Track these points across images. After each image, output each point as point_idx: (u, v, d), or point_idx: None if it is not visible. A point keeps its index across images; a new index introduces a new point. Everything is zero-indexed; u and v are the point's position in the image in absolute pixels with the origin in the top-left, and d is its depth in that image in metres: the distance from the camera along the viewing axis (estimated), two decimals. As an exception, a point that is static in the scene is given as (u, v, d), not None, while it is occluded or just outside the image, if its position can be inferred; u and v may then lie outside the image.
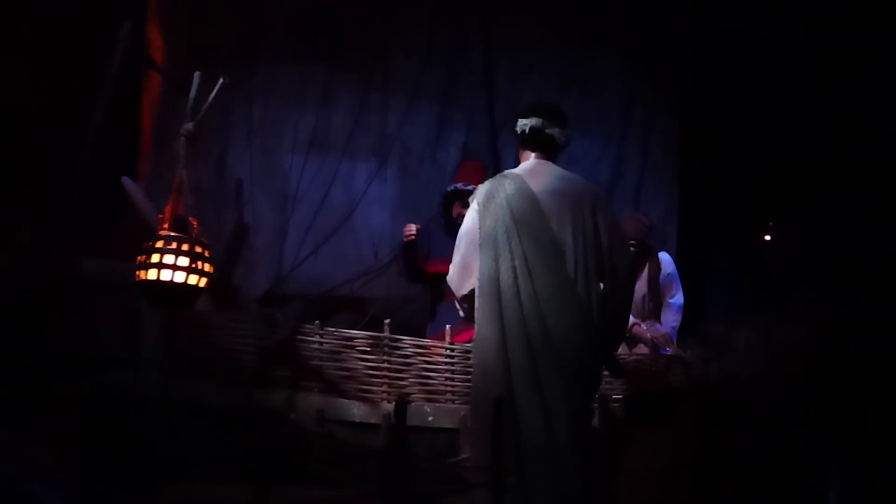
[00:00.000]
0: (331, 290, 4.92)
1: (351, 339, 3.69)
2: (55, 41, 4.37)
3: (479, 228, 2.98)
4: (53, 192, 3.69)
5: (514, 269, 2.86)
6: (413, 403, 3.65)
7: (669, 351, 4.68)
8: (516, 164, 3.28)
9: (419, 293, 4.87)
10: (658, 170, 5.94)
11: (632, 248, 4.68)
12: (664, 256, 5.00)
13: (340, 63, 5.09)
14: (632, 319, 4.85)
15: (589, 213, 2.98)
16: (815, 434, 3.89)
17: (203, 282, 3.06)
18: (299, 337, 3.63)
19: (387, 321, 3.78)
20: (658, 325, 4.89)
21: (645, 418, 3.60)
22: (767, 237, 6.37)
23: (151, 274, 2.94)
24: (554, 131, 3.15)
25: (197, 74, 3.49)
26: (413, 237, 4.58)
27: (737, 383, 3.86)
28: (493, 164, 5.44)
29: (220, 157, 4.80)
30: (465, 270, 3.03)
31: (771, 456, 3.67)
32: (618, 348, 3.30)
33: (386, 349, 3.70)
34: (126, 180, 3.83)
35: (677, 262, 5.86)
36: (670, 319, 4.90)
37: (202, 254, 3.05)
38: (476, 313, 2.95)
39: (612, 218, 3.10)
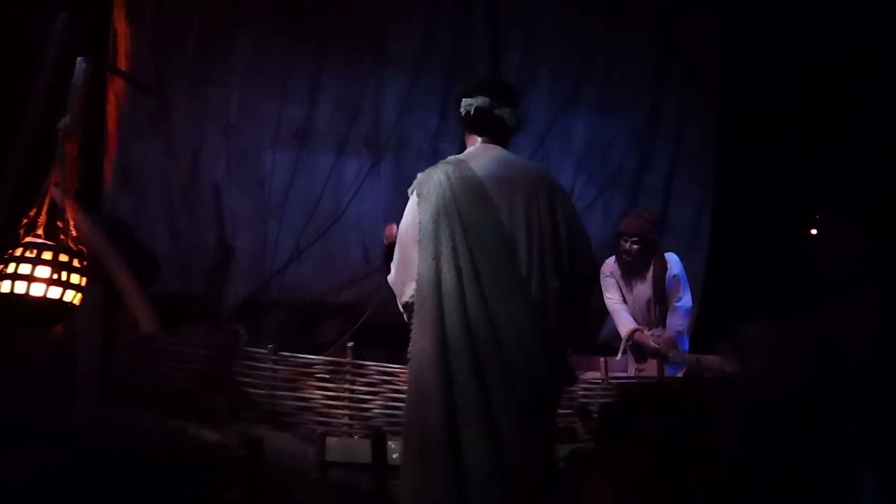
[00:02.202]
0: (317, 296, 4.51)
1: (309, 365, 3.30)
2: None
3: (419, 223, 2.54)
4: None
5: (457, 268, 2.43)
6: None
7: (679, 364, 4.22)
8: (462, 149, 2.81)
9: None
10: (691, 160, 5.34)
11: (635, 246, 4.31)
12: (671, 257, 4.49)
13: (328, 44, 4.59)
14: (634, 324, 4.47)
15: (545, 204, 2.56)
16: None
17: (73, 296, 2.65)
18: (251, 363, 3.26)
19: (350, 344, 3.38)
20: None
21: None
22: (814, 231, 5.71)
23: (5, 286, 2.56)
24: (503, 112, 2.71)
25: (79, 60, 3.06)
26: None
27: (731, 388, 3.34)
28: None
29: (194, 153, 4.40)
30: (405, 272, 2.59)
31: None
32: (567, 350, 2.78)
33: (348, 376, 3.29)
34: (55, 192, 3.46)
35: (710, 259, 5.35)
36: (675, 323, 4.44)
37: (69, 263, 2.64)
38: (414, 320, 2.51)
39: (571, 209, 2.67)
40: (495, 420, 2.34)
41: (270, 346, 3.29)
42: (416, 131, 4.78)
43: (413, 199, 2.61)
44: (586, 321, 2.82)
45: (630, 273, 4.48)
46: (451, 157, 2.67)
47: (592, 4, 5.13)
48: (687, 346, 4.62)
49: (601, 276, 4.62)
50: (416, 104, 4.78)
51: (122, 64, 4.23)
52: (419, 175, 2.63)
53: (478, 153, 2.69)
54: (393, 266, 2.68)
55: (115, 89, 4.26)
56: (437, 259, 2.45)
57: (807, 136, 5.46)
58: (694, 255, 5.33)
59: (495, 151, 2.69)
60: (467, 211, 2.49)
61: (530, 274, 2.47)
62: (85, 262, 2.72)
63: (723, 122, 5.42)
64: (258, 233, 4.44)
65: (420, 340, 2.45)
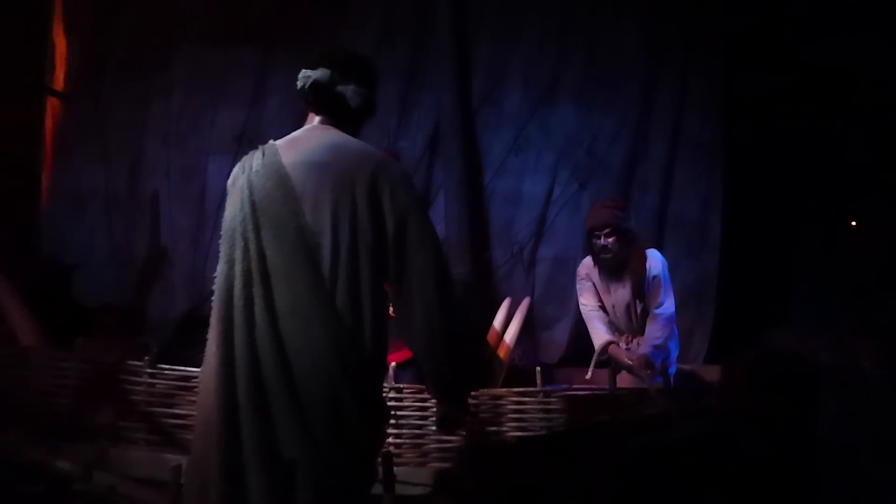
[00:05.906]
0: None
1: (187, 378, 3.03)
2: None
3: (224, 220, 2.20)
4: None
5: (247, 272, 2.04)
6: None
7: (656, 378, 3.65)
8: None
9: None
10: (694, 150, 4.74)
11: (610, 239, 3.81)
12: (652, 253, 3.90)
13: (276, 43, 4.37)
14: (609, 336, 3.92)
15: (363, 193, 2.11)
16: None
17: None
18: (126, 377, 3.03)
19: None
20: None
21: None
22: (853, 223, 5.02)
23: None
24: (346, 89, 2.27)
25: None
26: None
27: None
28: (468, 153, 4.56)
29: (134, 162, 4.28)
30: None
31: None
32: (460, 393, 2.27)
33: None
34: None
35: (722, 260, 4.75)
36: (653, 335, 3.79)
37: None
38: (209, 333, 2.13)
39: (405, 198, 2.17)
40: (282, 464, 1.95)
41: (147, 357, 3.05)
42: (374, 131, 4.46)
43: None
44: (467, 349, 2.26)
45: (609, 274, 3.94)
46: (270, 141, 2.26)
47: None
48: (675, 354, 4.06)
49: (577, 279, 4.12)
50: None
51: (59, 78, 4.18)
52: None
53: (303, 136, 2.28)
54: None
55: (53, 105, 4.22)
56: (230, 262, 2.08)
57: (833, 117, 4.81)
58: (705, 253, 4.76)
59: (325, 133, 2.25)
60: (263, 205, 2.10)
61: (335, 279, 2.05)
62: None
63: (732, 106, 4.80)
64: (199, 243, 4.26)
65: (210, 358, 2.08)
